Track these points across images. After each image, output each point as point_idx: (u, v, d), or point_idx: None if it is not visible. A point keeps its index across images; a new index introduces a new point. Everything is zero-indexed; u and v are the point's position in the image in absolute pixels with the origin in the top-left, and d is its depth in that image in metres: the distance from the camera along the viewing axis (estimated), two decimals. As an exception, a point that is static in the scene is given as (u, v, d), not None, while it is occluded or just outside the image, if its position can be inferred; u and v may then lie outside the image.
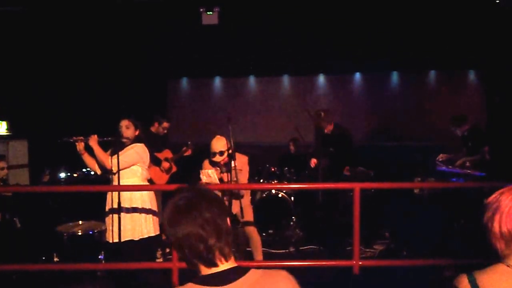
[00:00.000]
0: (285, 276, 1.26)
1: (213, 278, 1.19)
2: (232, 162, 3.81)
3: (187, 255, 1.21)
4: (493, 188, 1.40)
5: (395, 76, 8.69)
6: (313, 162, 5.13)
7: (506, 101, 4.74)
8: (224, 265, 1.21)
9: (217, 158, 3.88)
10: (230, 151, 3.86)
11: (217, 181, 3.77)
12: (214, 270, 1.21)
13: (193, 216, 1.18)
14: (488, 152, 4.62)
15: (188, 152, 5.28)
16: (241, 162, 3.98)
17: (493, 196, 1.36)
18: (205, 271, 1.21)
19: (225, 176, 3.88)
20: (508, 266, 1.28)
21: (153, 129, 5.29)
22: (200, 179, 3.84)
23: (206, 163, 4.03)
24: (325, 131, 5.04)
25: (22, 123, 6.69)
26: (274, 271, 1.27)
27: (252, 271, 1.22)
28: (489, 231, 1.32)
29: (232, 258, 1.24)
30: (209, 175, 3.76)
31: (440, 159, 5.11)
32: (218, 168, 3.88)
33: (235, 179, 3.77)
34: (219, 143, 3.89)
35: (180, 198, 1.23)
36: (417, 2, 6.17)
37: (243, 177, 3.98)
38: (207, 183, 3.91)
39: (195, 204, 1.21)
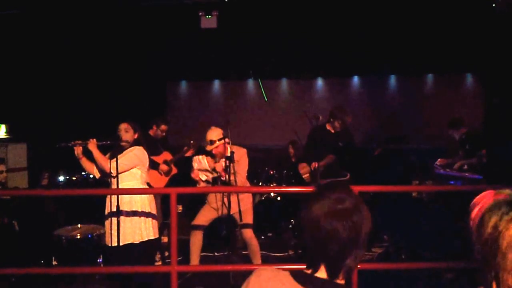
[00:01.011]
0: None
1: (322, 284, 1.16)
2: (228, 151, 3.89)
3: (318, 255, 1.17)
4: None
5: (393, 80, 8.72)
6: (313, 165, 5.07)
7: (504, 104, 4.75)
8: (340, 281, 1.17)
9: (208, 147, 3.95)
10: (224, 141, 3.95)
11: (208, 168, 3.86)
12: (331, 279, 1.17)
13: (347, 225, 1.13)
14: (485, 155, 4.63)
15: (190, 153, 5.14)
16: (239, 153, 4.01)
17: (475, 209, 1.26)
18: (323, 276, 1.17)
19: (218, 166, 3.89)
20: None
21: (151, 132, 5.27)
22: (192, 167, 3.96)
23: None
24: (334, 130, 4.85)
25: (22, 127, 6.69)
26: None
27: None
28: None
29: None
30: (199, 160, 3.86)
31: (439, 164, 5.12)
32: (212, 159, 3.93)
33: (232, 171, 3.81)
34: (211, 133, 3.98)
35: (338, 200, 1.16)
36: (414, 7, 6.21)
37: (241, 169, 3.97)
38: (198, 169, 3.95)
39: (353, 213, 1.15)
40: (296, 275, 1.19)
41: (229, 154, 3.89)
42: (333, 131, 4.78)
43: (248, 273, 1.25)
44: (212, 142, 3.94)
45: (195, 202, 4.79)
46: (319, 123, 4.83)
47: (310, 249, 1.19)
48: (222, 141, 3.95)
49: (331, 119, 4.73)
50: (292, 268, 3.43)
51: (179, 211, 5.57)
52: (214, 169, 3.91)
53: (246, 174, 4.11)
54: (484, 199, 1.24)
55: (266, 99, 8.72)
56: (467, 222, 1.28)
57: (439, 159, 5.17)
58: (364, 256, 4.74)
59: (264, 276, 1.22)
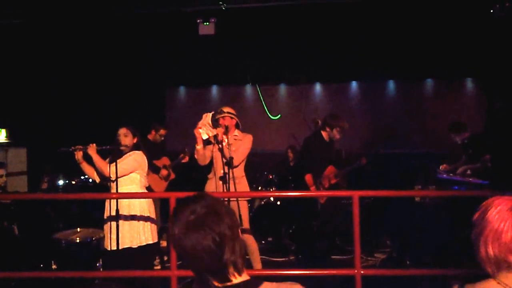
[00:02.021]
0: None
1: None
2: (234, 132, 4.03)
3: (199, 270, 1.18)
4: (494, 196, 1.33)
5: (391, 85, 8.74)
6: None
7: (506, 108, 4.74)
8: (237, 279, 1.19)
9: (217, 115, 4.02)
10: (233, 118, 4.06)
11: (209, 130, 3.83)
12: (227, 284, 1.18)
13: (205, 232, 1.15)
14: (490, 160, 4.57)
15: (186, 159, 5.29)
16: (244, 136, 4.09)
17: (479, 213, 1.29)
18: (218, 285, 1.18)
19: (219, 130, 3.87)
20: (499, 283, 1.23)
21: (150, 136, 5.31)
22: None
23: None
24: (329, 139, 4.78)
25: (21, 131, 6.69)
26: (288, 285, 1.24)
27: (265, 284, 1.20)
28: (476, 252, 1.27)
29: (245, 271, 1.21)
30: (205, 124, 3.84)
31: (442, 169, 5.07)
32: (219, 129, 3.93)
33: (233, 148, 3.88)
34: (225, 107, 4.12)
35: (190, 212, 1.18)
36: (413, 12, 6.25)
37: (242, 147, 4.00)
38: (203, 126, 3.89)
39: (206, 218, 1.17)
40: None
41: (236, 135, 4.03)
42: (328, 140, 4.74)
43: (262, 283, 1.23)
44: (221, 112, 4.04)
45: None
46: (317, 128, 4.83)
47: (191, 267, 1.20)
48: (233, 116, 4.05)
49: (327, 128, 4.67)
50: (293, 273, 3.43)
51: None
52: (215, 136, 3.91)
53: (245, 158, 4.09)
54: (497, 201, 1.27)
55: (269, 114, 8.77)
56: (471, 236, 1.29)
57: (442, 165, 5.11)
58: (367, 261, 4.75)
59: None
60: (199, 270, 1.19)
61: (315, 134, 4.82)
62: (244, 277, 1.20)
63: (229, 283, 1.18)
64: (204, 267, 1.17)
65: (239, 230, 1.23)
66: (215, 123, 3.95)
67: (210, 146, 4.05)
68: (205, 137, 3.86)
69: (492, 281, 1.25)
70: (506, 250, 1.21)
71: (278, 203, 5.69)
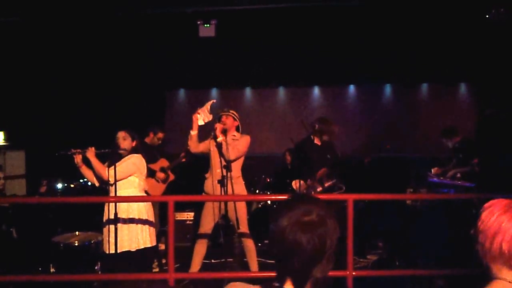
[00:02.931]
0: None
1: None
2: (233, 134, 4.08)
3: (282, 270, 1.17)
4: (483, 199, 1.39)
5: (388, 89, 8.81)
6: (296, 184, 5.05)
7: (497, 114, 4.82)
8: None
9: (221, 112, 4.16)
10: (235, 120, 4.14)
11: (208, 117, 3.96)
12: None
13: (311, 238, 1.12)
14: (477, 164, 4.68)
15: (185, 159, 5.27)
16: (242, 136, 4.14)
17: (487, 213, 1.33)
18: (282, 286, 1.17)
19: (218, 125, 3.98)
20: (510, 282, 1.27)
21: (148, 140, 5.30)
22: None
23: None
24: (321, 143, 4.83)
25: (20, 134, 6.70)
26: None
27: None
28: (486, 251, 1.31)
29: None
30: (204, 110, 3.97)
31: (433, 172, 5.16)
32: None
33: (231, 148, 3.92)
34: (231, 110, 4.21)
35: (305, 212, 1.16)
36: (410, 17, 6.30)
37: (239, 146, 4.04)
38: (202, 112, 3.97)
39: (318, 226, 1.14)
40: None
41: (234, 135, 4.08)
42: (319, 144, 4.76)
43: (245, 280, 1.26)
44: (227, 111, 4.14)
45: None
46: (309, 133, 4.86)
47: (276, 261, 1.19)
48: (236, 118, 4.13)
49: (317, 133, 4.70)
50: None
51: (191, 218, 5.59)
52: (215, 136, 3.96)
53: (242, 157, 4.13)
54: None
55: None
56: (475, 237, 1.34)
57: (433, 168, 5.21)
58: (359, 262, 4.79)
59: None
60: (284, 271, 1.17)
61: (306, 139, 4.85)
62: None
63: None
64: (290, 270, 1.15)
65: (334, 253, 1.19)
66: (218, 120, 4.03)
67: (207, 142, 4.10)
68: (201, 123, 3.94)
69: (501, 281, 1.29)
70: None
71: (275, 206, 5.72)
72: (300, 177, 4.72)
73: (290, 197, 1.25)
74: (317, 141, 4.75)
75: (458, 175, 4.83)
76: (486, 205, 1.37)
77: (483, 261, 1.32)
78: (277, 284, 1.18)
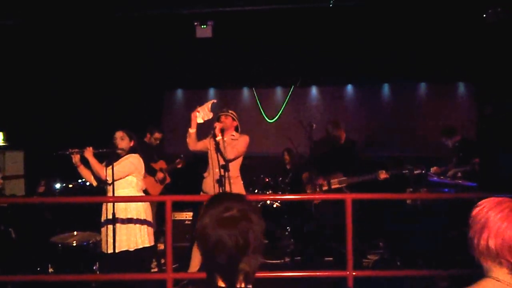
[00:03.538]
0: None
1: None
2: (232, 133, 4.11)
3: (212, 267, 1.18)
4: (484, 198, 1.40)
5: (386, 88, 8.82)
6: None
7: (496, 112, 4.83)
8: None
9: (220, 113, 4.16)
10: (234, 121, 4.16)
11: (208, 115, 3.96)
12: (220, 284, 1.17)
13: (233, 233, 1.15)
14: (478, 163, 4.68)
15: (180, 165, 5.37)
16: (241, 136, 4.15)
17: (478, 210, 1.36)
18: (216, 283, 1.18)
19: (218, 124, 3.96)
20: (498, 280, 1.28)
21: (146, 140, 5.34)
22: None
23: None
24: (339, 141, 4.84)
25: (19, 134, 6.70)
26: None
27: None
28: (475, 246, 1.32)
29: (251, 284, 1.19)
30: (203, 108, 3.97)
31: (433, 171, 5.16)
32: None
33: (229, 147, 3.94)
34: (231, 111, 4.22)
35: (225, 208, 1.18)
36: (408, 17, 6.31)
37: (239, 145, 4.06)
38: (202, 110, 3.97)
39: (239, 220, 1.16)
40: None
41: (233, 135, 4.11)
42: (338, 146, 4.79)
43: None
44: (226, 111, 4.16)
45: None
46: (313, 131, 4.86)
47: (204, 260, 1.20)
48: (234, 118, 4.14)
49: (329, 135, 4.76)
50: (287, 275, 3.46)
51: (189, 218, 5.61)
52: (213, 133, 3.97)
53: (241, 157, 4.14)
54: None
55: (266, 118, 8.83)
56: (467, 233, 1.35)
57: (433, 167, 5.21)
58: (359, 263, 4.78)
59: None
60: (212, 268, 1.19)
61: (326, 138, 4.84)
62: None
63: None
64: (217, 266, 1.16)
65: (261, 246, 1.21)
66: (217, 119, 4.03)
67: (206, 140, 4.10)
68: (200, 120, 3.95)
69: (490, 280, 1.30)
70: (506, 247, 1.27)
71: (275, 206, 5.72)
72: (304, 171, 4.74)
73: (212, 196, 1.27)
74: (336, 143, 4.73)
75: (459, 174, 4.83)
76: (479, 202, 1.39)
77: (475, 258, 1.33)
78: (212, 283, 1.19)
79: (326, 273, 3.53)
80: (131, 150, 3.69)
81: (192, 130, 4.02)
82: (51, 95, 7.12)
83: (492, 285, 1.28)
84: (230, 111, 4.19)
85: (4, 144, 6.70)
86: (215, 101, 4.20)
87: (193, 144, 4.06)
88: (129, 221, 3.55)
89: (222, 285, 1.17)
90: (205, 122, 4.06)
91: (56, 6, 5.81)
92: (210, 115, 3.97)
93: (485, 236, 1.29)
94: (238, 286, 1.17)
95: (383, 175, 4.48)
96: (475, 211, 1.37)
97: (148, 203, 3.76)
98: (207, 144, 4.11)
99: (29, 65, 6.84)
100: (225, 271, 1.16)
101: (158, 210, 4.82)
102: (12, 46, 6.50)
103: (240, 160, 4.15)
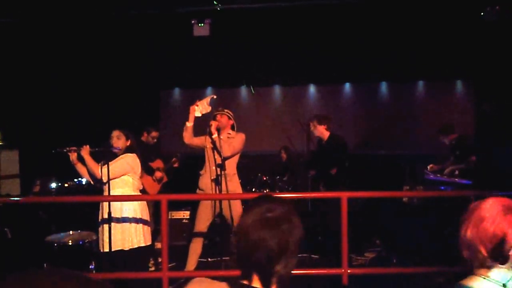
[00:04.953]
0: None
1: None
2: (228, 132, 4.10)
3: (248, 265, 1.18)
4: (480, 196, 1.41)
5: (384, 86, 8.81)
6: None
7: (493, 110, 4.83)
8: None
9: (216, 112, 4.16)
10: (230, 119, 4.15)
11: (206, 109, 3.98)
12: (255, 285, 1.18)
13: (274, 234, 1.15)
14: (475, 161, 4.69)
15: (177, 164, 5.38)
16: (237, 134, 4.15)
17: (472, 206, 1.36)
18: (251, 283, 1.18)
19: (214, 123, 3.97)
20: (484, 278, 1.27)
21: (143, 139, 5.33)
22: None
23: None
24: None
25: (14, 133, 6.67)
26: None
27: None
28: (460, 239, 1.32)
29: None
30: (203, 103, 3.97)
31: (430, 169, 5.17)
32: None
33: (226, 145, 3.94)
34: (226, 110, 4.20)
35: (268, 209, 1.19)
36: (406, 15, 6.31)
37: (235, 142, 4.05)
38: (200, 104, 3.98)
39: (281, 222, 1.17)
40: (233, 286, 1.20)
41: (230, 133, 4.10)
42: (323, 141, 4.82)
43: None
44: (221, 110, 4.17)
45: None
46: (310, 130, 4.87)
47: (239, 257, 1.21)
48: (230, 117, 4.14)
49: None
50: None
51: (187, 217, 5.59)
52: (209, 130, 3.96)
53: (238, 155, 4.14)
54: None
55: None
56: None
57: (430, 165, 5.23)
58: (356, 260, 4.79)
59: (199, 287, 1.24)
60: (248, 267, 1.19)
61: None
62: None
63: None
64: (254, 266, 1.17)
65: (297, 251, 1.21)
66: (213, 118, 4.03)
67: (202, 138, 4.10)
68: (198, 114, 3.95)
69: (476, 277, 1.29)
70: (479, 237, 1.26)
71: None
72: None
73: (255, 197, 1.28)
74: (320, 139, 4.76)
75: (456, 172, 4.84)
76: (477, 201, 1.38)
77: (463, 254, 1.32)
78: (246, 282, 1.19)
79: (321, 271, 3.53)
80: (128, 150, 3.68)
81: (189, 124, 4.02)
82: (47, 94, 7.10)
83: (479, 283, 1.27)
84: (225, 110, 4.18)
85: (-1, 143, 6.69)
86: (215, 96, 4.19)
87: (189, 138, 4.06)
88: (125, 220, 3.54)
89: (257, 285, 1.18)
90: (203, 120, 4.06)
91: (53, 4, 5.79)
92: (209, 109, 3.98)
93: (466, 227, 1.29)
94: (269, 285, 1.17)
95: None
96: (470, 206, 1.36)
97: (144, 203, 3.75)
98: (203, 141, 4.11)
99: (25, 64, 6.83)
100: (262, 271, 1.17)
101: (155, 209, 4.81)
102: (8, 44, 6.48)
103: (237, 157, 4.15)
